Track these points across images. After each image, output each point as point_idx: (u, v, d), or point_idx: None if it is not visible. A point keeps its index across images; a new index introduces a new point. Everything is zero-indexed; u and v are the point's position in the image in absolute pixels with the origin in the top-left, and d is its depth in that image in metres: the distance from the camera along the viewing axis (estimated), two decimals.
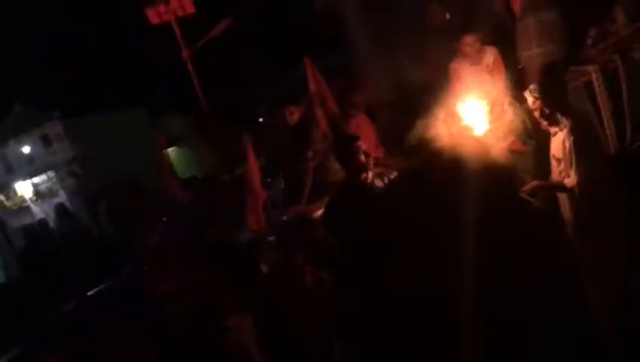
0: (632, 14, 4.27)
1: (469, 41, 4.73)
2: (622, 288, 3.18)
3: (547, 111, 3.43)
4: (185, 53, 12.19)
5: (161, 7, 11.93)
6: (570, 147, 3.29)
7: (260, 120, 22.45)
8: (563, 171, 3.38)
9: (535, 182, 3.53)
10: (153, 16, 12.06)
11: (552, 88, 3.60)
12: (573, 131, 3.30)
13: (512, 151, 4.01)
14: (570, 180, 3.32)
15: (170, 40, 12.92)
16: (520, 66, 4.95)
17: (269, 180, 6.04)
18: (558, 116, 3.36)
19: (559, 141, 3.38)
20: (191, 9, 12.26)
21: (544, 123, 3.47)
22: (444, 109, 3.98)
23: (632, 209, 3.33)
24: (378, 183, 4.00)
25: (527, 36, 4.90)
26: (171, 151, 34.65)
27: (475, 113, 3.79)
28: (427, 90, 4.94)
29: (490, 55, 4.84)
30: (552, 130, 3.43)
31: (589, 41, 4.44)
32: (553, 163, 3.48)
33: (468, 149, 3.52)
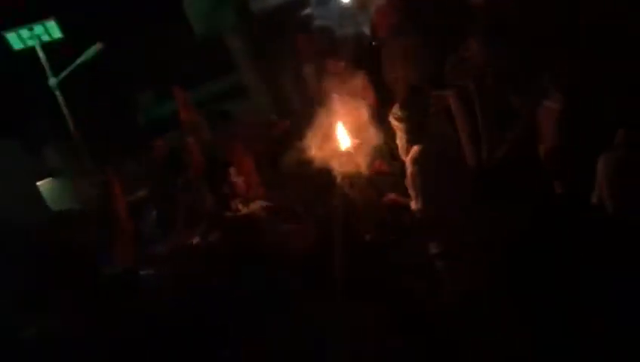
0: (484, 42, 4.54)
1: (335, 64, 4.93)
2: None
3: (409, 134, 3.55)
4: (51, 81, 11.47)
5: (25, 32, 11.17)
6: (412, 174, 3.40)
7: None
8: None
9: (393, 196, 3.62)
10: (15, 41, 11.28)
11: (414, 110, 3.73)
12: (416, 159, 3.40)
13: (378, 173, 4.10)
14: (413, 204, 3.43)
15: (38, 66, 12.22)
16: (385, 89, 5.13)
17: (139, 212, 5.75)
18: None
19: None
20: (57, 34, 11.57)
21: (407, 144, 3.57)
22: (319, 133, 4.01)
23: (493, 226, 3.47)
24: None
25: (391, 60, 5.09)
26: (45, 183, 32.31)
27: (342, 134, 3.86)
28: (305, 116, 4.98)
29: (358, 79, 5.00)
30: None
31: (448, 67, 4.68)
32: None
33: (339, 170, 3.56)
